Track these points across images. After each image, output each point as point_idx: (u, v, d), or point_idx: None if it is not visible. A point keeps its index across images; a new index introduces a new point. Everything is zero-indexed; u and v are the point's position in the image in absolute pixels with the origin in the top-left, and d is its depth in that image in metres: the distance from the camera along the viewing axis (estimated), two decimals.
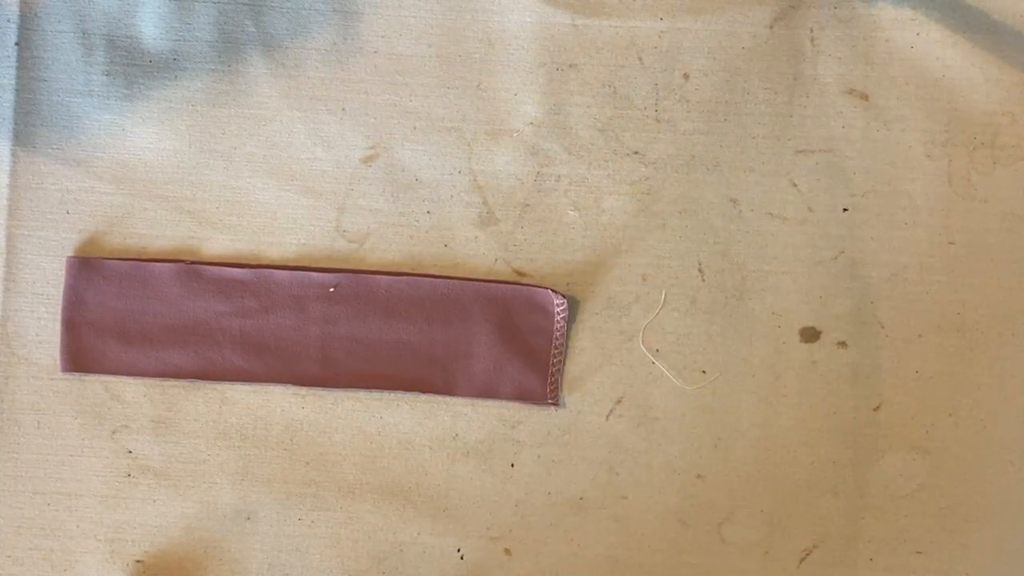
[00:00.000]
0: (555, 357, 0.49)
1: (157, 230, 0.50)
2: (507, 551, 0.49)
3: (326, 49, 0.50)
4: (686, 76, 0.50)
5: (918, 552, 0.49)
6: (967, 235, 0.49)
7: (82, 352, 0.49)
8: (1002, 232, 0.49)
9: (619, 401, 0.49)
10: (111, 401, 0.49)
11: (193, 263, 0.49)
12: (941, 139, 0.49)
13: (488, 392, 0.49)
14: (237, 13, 0.50)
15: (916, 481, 0.49)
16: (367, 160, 0.50)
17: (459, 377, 0.49)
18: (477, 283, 0.49)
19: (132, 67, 0.50)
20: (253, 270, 0.49)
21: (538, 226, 0.50)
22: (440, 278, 0.49)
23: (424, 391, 0.49)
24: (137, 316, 0.49)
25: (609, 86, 0.50)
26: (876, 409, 0.49)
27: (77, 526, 0.49)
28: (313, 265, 0.50)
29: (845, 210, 0.49)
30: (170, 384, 0.49)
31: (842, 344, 0.49)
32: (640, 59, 0.50)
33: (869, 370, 0.49)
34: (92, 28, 0.50)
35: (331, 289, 0.49)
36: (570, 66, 0.50)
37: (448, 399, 0.49)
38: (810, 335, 0.49)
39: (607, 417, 0.49)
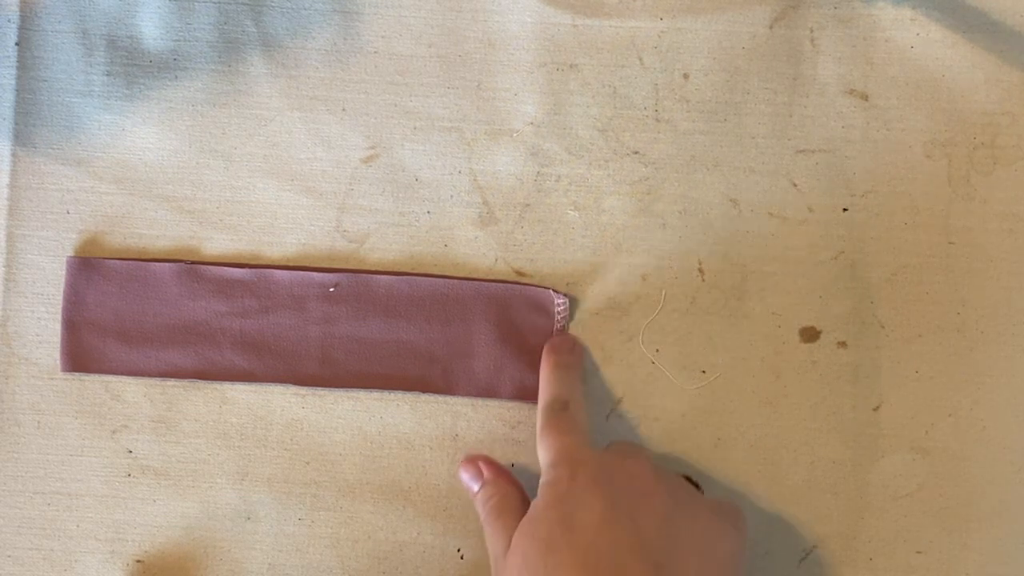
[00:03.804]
0: None
1: (157, 230, 0.50)
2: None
3: (326, 49, 0.50)
4: (686, 76, 0.50)
5: (918, 552, 0.49)
6: (967, 235, 0.49)
7: (82, 352, 0.49)
8: (1002, 232, 0.49)
9: (619, 401, 0.49)
10: (111, 401, 0.49)
11: (193, 263, 0.49)
12: (941, 139, 0.49)
13: (488, 391, 0.49)
14: (237, 13, 0.50)
15: (916, 481, 0.49)
16: (367, 160, 0.50)
17: (459, 376, 0.49)
18: (477, 282, 0.49)
19: (132, 67, 0.50)
20: (253, 270, 0.49)
21: (538, 226, 0.50)
22: (440, 277, 0.49)
23: (424, 391, 0.49)
24: (137, 316, 0.49)
25: (609, 86, 0.50)
26: (876, 409, 0.49)
27: (77, 526, 0.49)
28: (313, 265, 0.50)
29: (845, 210, 0.49)
30: (170, 384, 0.49)
31: (842, 344, 0.49)
32: (640, 59, 0.50)
33: (869, 370, 0.49)
34: (92, 28, 0.50)
35: (331, 289, 0.49)
36: (570, 66, 0.50)
37: (448, 399, 0.49)
38: (810, 335, 0.49)
39: (607, 417, 0.49)
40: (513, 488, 0.45)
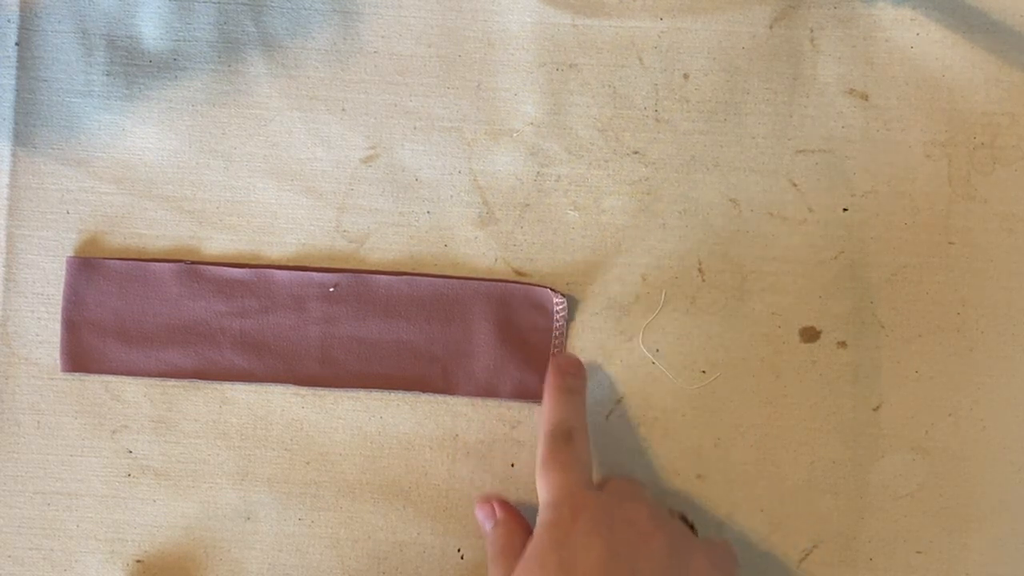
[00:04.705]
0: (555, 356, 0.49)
1: (157, 230, 0.50)
2: None
3: (326, 49, 0.50)
4: (686, 76, 0.50)
5: (918, 552, 0.49)
6: (967, 235, 0.49)
7: (82, 352, 0.49)
8: (1002, 232, 0.49)
9: (619, 401, 0.49)
10: (111, 401, 0.49)
11: (193, 263, 0.49)
12: (941, 139, 0.49)
13: (488, 391, 0.49)
14: (237, 13, 0.50)
15: (916, 481, 0.49)
16: (367, 160, 0.50)
17: (459, 376, 0.49)
18: (476, 281, 0.49)
19: (132, 67, 0.50)
20: (253, 270, 0.49)
21: (538, 226, 0.50)
22: (440, 277, 0.49)
23: (424, 390, 0.49)
24: (137, 316, 0.49)
25: (609, 86, 0.50)
26: (876, 409, 0.49)
27: (77, 526, 0.49)
28: (313, 265, 0.50)
29: (845, 210, 0.49)
30: (170, 384, 0.49)
31: (842, 344, 0.49)
32: (640, 59, 0.50)
33: (869, 370, 0.49)
34: (92, 28, 0.50)
35: (331, 289, 0.49)
36: (570, 66, 0.50)
37: (448, 399, 0.49)
38: (810, 335, 0.49)
39: (607, 417, 0.49)
40: (521, 529, 0.45)
